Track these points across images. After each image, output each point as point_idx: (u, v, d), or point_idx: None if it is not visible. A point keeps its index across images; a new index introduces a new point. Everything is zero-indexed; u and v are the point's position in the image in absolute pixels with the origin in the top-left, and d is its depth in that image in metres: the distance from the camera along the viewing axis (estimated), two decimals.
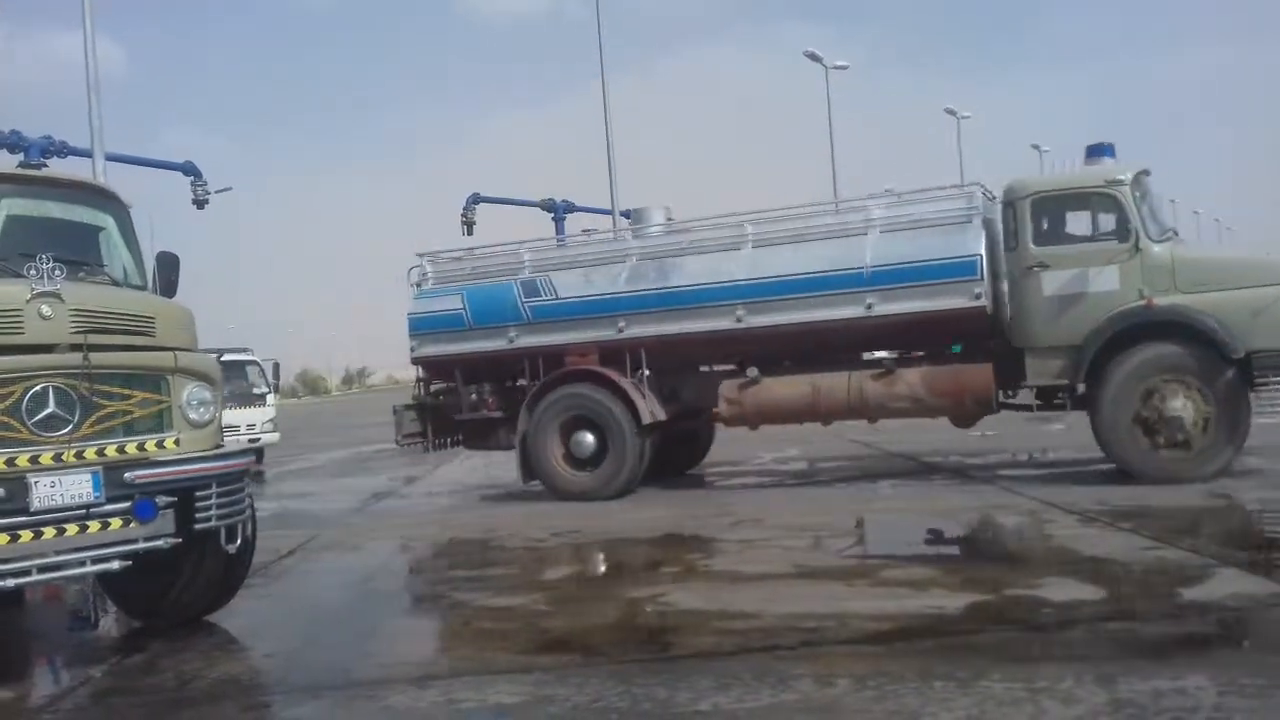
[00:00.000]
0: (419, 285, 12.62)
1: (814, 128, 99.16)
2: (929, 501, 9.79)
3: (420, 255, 12.72)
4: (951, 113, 43.53)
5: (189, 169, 22.30)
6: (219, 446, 6.22)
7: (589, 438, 11.33)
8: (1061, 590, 5.93)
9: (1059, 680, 4.27)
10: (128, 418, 5.68)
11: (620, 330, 11.41)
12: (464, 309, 12.08)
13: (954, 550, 8.18)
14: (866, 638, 5.29)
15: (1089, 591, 5.92)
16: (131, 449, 5.63)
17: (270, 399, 21.01)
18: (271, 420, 20.72)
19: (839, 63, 35.88)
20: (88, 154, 16.80)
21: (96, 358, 5.47)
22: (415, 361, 12.57)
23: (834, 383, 10.83)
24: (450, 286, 12.41)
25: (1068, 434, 14.42)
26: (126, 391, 5.68)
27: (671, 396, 11.74)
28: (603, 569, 8.38)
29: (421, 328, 12.35)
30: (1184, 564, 6.42)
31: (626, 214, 27.36)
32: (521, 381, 12.07)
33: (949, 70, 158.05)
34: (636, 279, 11.51)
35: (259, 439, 19.83)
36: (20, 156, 18.17)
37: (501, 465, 17.45)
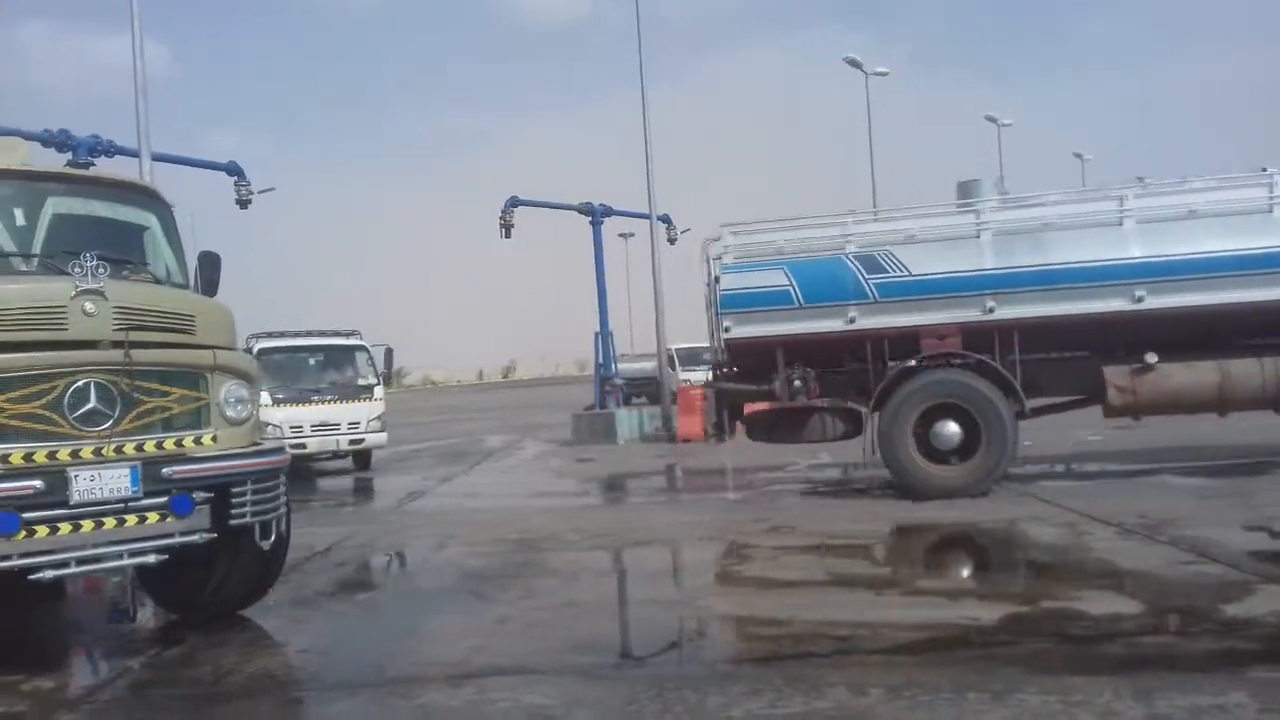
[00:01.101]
0: (719, 259, 11.43)
1: (837, 130, 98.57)
2: (965, 510, 9.69)
3: (724, 226, 11.66)
4: (992, 120, 43.12)
5: (233, 169, 22.48)
6: (255, 444, 6.28)
7: (953, 428, 10.42)
8: (1099, 603, 5.85)
9: (1096, 694, 4.22)
10: (167, 414, 5.75)
11: (989, 311, 10.44)
12: (791, 285, 10.88)
13: (989, 560, 8.09)
14: (900, 647, 5.25)
15: (1127, 605, 5.85)
16: (170, 445, 5.70)
17: (379, 392, 17.59)
18: (379, 418, 17.28)
19: (879, 69, 35.63)
20: (134, 153, 16.99)
21: (138, 354, 5.54)
22: (729, 343, 11.35)
23: (1246, 370, 10.14)
24: (768, 261, 11.15)
25: (1105, 445, 14.28)
26: (166, 388, 5.75)
27: (1032, 383, 10.86)
28: (636, 572, 8.38)
29: (739, 305, 11.07)
30: (1224, 579, 6.33)
31: (664, 218, 27.35)
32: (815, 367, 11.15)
33: (965, 76, 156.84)
34: (1006, 255, 10.50)
35: (362, 439, 17.07)
36: (69, 155, 18.45)
37: (528, 468, 17.54)
